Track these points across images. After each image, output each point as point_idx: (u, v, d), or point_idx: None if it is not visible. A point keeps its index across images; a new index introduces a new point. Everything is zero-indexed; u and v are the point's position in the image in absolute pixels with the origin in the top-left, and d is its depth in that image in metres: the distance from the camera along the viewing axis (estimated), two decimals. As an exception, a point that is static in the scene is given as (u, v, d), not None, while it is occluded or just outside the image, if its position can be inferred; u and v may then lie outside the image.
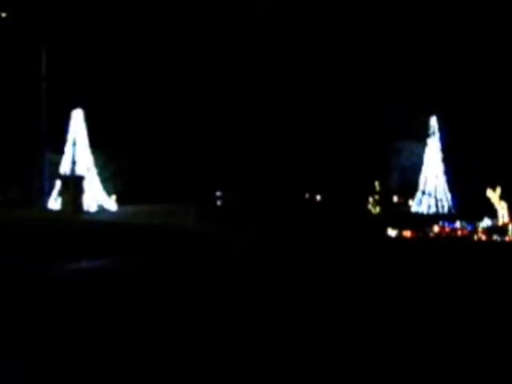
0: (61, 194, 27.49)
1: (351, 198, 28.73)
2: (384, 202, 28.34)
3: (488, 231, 19.72)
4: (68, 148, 27.99)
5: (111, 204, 28.01)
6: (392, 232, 19.85)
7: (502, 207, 21.17)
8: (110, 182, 28.53)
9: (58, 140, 27.89)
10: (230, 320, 8.28)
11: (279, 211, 26.36)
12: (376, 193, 28.20)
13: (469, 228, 20.35)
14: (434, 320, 8.44)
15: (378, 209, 27.91)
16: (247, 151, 30.28)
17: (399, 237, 19.60)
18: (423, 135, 28.97)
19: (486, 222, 20.66)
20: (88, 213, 26.47)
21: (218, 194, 30.90)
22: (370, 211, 27.95)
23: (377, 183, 28.22)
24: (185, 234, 19.19)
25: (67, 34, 27.82)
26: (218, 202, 30.54)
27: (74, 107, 27.84)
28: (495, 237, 19.09)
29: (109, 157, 28.47)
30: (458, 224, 20.85)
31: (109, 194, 28.34)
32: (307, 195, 31.54)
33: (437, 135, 28.97)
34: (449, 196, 28.60)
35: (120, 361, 6.58)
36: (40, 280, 11.05)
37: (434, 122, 28.94)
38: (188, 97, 30.26)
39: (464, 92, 27.56)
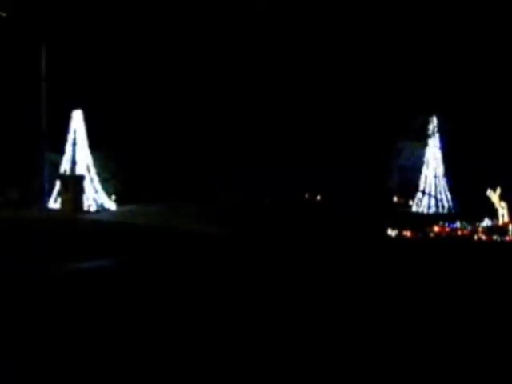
0: (60, 193, 27.49)
1: (351, 198, 28.70)
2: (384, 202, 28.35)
3: (488, 231, 19.72)
4: (68, 148, 28.03)
5: (111, 204, 28.00)
6: (392, 232, 19.84)
7: (502, 207, 21.18)
8: (109, 182, 28.53)
9: (58, 140, 27.90)
10: (230, 320, 8.27)
11: (279, 211, 26.35)
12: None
13: (469, 228, 20.35)
14: (434, 320, 8.43)
15: None
16: (247, 151, 30.28)
17: (399, 237, 19.58)
18: (423, 135, 28.95)
19: (486, 222, 20.67)
20: (88, 213, 26.46)
21: (218, 194, 30.86)
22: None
23: None
24: (185, 234, 19.17)
25: (67, 34, 27.81)
26: (218, 202, 30.48)
27: (74, 107, 27.85)
28: (495, 237, 19.07)
29: (108, 157, 28.48)
30: (457, 224, 20.86)
31: (109, 194, 28.35)
32: (307, 195, 31.53)
33: (437, 135, 28.97)
34: (449, 196, 28.60)
35: (119, 361, 6.57)
36: (39, 280, 11.04)
37: (434, 122, 28.94)
38: (188, 96, 30.26)
39: (464, 92, 27.55)
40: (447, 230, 20.54)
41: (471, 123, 27.00)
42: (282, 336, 7.46)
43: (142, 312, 8.69)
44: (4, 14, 27.07)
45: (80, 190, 26.98)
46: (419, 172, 28.90)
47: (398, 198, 29.53)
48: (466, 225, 20.65)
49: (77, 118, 27.91)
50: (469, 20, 27.10)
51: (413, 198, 28.97)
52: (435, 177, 28.77)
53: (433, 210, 28.19)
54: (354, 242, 18.06)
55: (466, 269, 13.35)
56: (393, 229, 19.84)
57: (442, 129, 28.78)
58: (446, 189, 28.65)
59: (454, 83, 27.67)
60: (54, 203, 27.61)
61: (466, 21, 27.13)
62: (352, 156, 29.81)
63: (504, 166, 25.01)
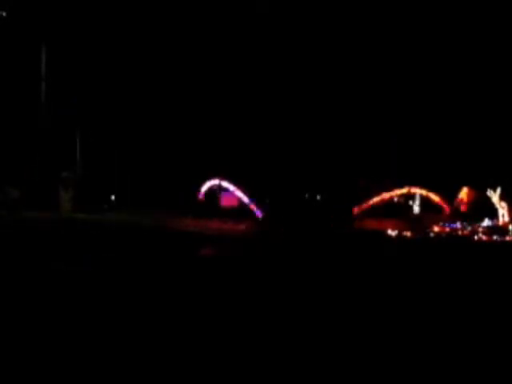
0: (60, 193, 27.47)
1: (350, 197, 28.69)
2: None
3: (488, 231, 19.75)
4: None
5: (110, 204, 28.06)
6: (392, 232, 19.86)
7: (501, 207, 21.21)
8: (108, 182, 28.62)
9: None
10: (230, 321, 8.27)
11: (279, 211, 26.37)
12: None
13: (469, 228, 20.38)
14: (434, 321, 8.43)
15: None
16: (247, 151, 30.29)
17: (399, 236, 19.60)
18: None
19: (486, 222, 20.71)
20: (87, 212, 26.42)
21: (219, 194, 30.80)
22: None
23: None
24: (184, 234, 19.17)
25: (67, 34, 27.83)
26: (219, 202, 30.44)
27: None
28: (495, 237, 19.09)
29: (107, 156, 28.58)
30: (458, 224, 20.89)
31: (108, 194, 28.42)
32: (307, 195, 31.51)
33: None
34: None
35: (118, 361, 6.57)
36: (37, 280, 11.03)
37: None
38: (189, 95, 30.27)
39: (462, 91, 27.59)
40: (447, 229, 20.55)
41: (470, 122, 27.05)
42: (281, 336, 7.47)
43: (140, 313, 8.68)
44: (4, 14, 27.08)
45: (80, 190, 26.99)
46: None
47: (398, 198, 29.52)
48: (466, 225, 20.67)
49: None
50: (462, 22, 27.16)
51: (413, 198, 28.95)
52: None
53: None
54: (353, 240, 18.09)
55: (466, 269, 13.36)
56: (392, 229, 19.87)
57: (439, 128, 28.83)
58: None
59: (452, 83, 27.74)
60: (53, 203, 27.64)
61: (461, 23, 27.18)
62: (351, 156, 29.85)
63: (504, 166, 25.04)
